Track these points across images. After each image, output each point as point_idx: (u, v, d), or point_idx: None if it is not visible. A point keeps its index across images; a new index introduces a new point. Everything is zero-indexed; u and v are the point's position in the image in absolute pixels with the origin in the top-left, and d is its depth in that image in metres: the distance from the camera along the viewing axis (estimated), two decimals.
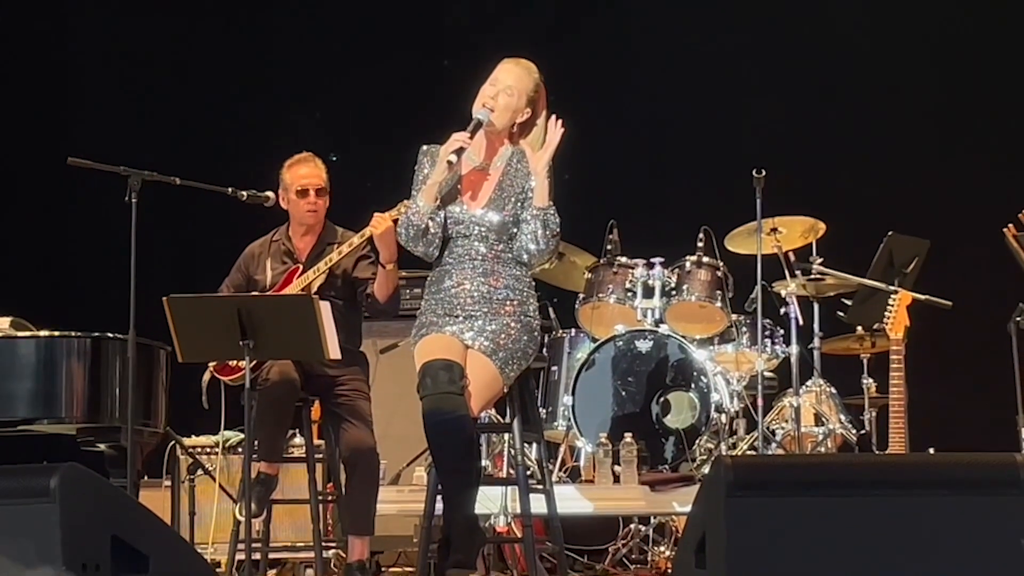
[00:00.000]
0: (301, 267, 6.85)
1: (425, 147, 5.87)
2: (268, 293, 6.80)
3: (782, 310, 8.08)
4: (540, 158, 5.72)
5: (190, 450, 7.57)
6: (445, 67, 9.61)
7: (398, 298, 6.84)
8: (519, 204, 5.74)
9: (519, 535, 6.88)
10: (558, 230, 5.72)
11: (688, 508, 6.18)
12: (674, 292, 8.16)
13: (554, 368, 8.33)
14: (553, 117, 5.78)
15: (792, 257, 8.10)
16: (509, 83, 5.76)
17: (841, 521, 3.84)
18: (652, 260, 8.21)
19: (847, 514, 3.84)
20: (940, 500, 3.86)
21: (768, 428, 7.92)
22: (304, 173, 6.89)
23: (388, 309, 6.81)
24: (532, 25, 10.12)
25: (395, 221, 6.30)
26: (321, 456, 7.05)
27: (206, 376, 6.86)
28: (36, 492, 4.00)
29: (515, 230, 5.73)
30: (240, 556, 6.58)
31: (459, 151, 5.66)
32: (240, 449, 7.34)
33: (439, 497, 5.76)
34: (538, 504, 6.00)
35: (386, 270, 6.65)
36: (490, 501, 6.99)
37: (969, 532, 3.83)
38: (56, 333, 6.73)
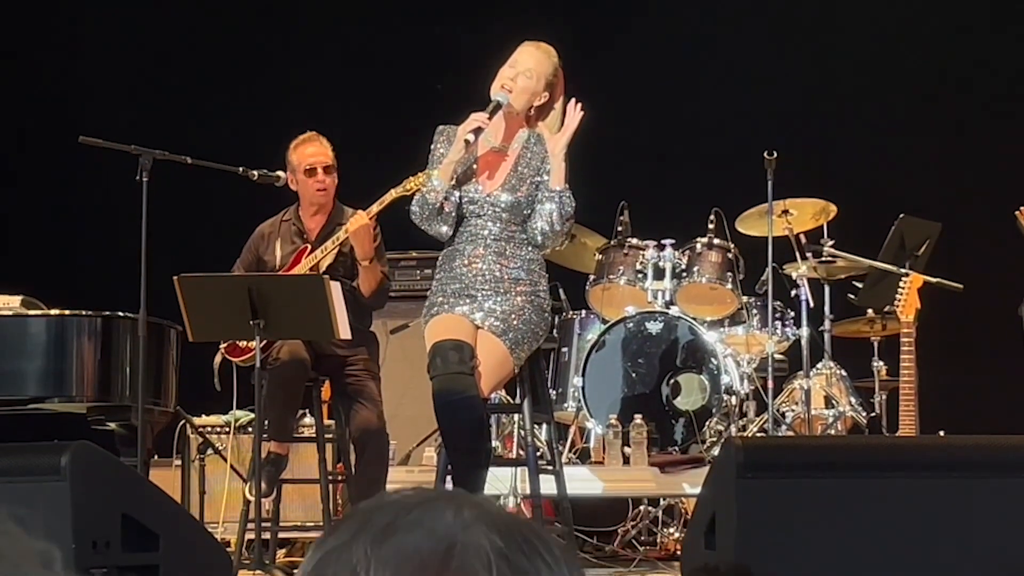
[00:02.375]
0: (310, 247, 6.85)
1: (441, 127, 5.88)
2: (278, 273, 6.80)
3: (793, 292, 8.07)
4: (558, 140, 5.73)
5: (200, 429, 7.58)
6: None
7: (383, 293, 6.81)
8: (534, 187, 5.74)
9: (529, 516, 6.89)
10: (573, 212, 5.73)
11: (698, 490, 6.18)
12: (684, 274, 8.15)
13: (564, 349, 8.33)
14: (573, 100, 5.79)
15: (803, 239, 8.08)
16: (529, 66, 5.77)
17: (852, 503, 3.84)
18: (663, 242, 8.19)
19: (858, 496, 3.84)
20: (952, 482, 3.86)
21: (778, 410, 7.92)
22: (311, 152, 6.88)
23: (372, 304, 6.80)
24: (542, 7, 10.09)
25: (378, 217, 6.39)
26: (331, 436, 7.06)
27: (217, 358, 6.87)
28: (47, 470, 4.01)
29: (529, 212, 5.74)
30: (250, 536, 6.59)
31: (477, 131, 5.66)
32: (250, 428, 7.34)
33: (449, 477, 5.77)
34: (548, 485, 6.01)
35: (363, 267, 6.65)
36: (499, 482, 6.99)
37: (981, 515, 3.83)
38: (67, 312, 6.75)
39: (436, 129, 5.90)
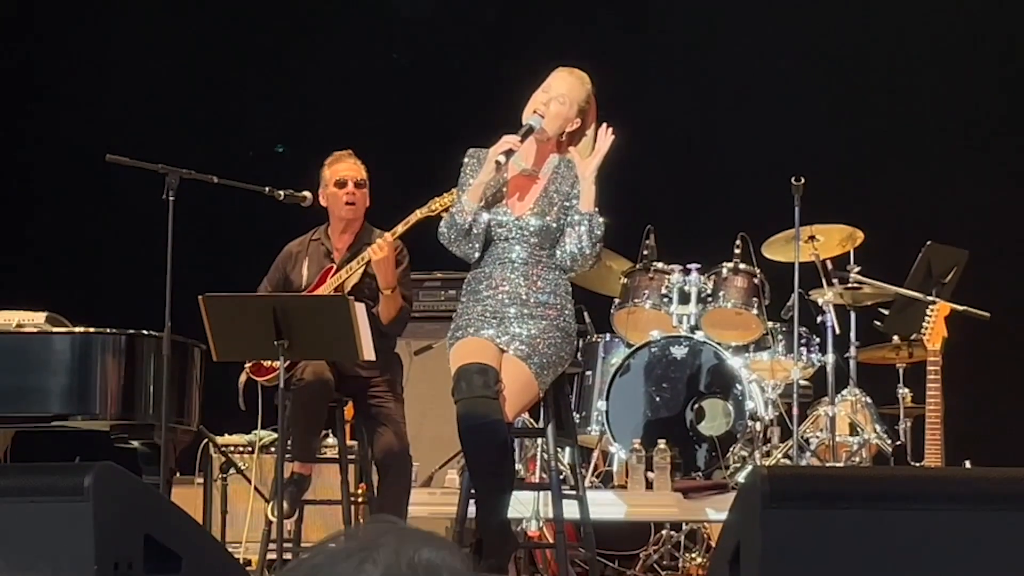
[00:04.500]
0: (335, 266, 6.85)
1: (472, 150, 5.87)
2: (303, 293, 6.80)
3: (818, 318, 8.04)
4: (589, 164, 5.73)
5: (223, 449, 7.57)
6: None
7: (402, 322, 6.81)
8: (563, 212, 5.74)
9: (551, 540, 6.86)
10: (602, 236, 5.72)
11: (721, 516, 6.15)
12: (710, 299, 8.12)
13: (588, 373, 8.31)
14: (604, 125, 5.79)
15: (830, 265, 8.05)
16: (562, 91, 5.77)
17: (878, 535, 3.81)
18: (689, 266, 8.16)
19: (884, 528, 3.81)
20: (981, 515, 3.82)
21: (803, 437, 7.88)
22: (343, 167, 6.91)
23: (390, 331, 6.78)
24: (569, 31, 10.09)
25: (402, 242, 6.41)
26: (354, 457, 7.05)
27: (242, 378, 6.87)
28: (70, 490, 4.00)
29: (557, 236, 5.72)
30: (271, 556, 6.58)
31: (508, 152, 5.65)
32: (273, 448, 7.34)
33: (472, 500, 5.75)
34: (570, 509, 5.98)
35: (384, 295, 6.65)
36: (522, 505, 6.97)
37: (1012, 549, 3.79)
38: (91, 329, 6.75)
39: (467, 152, 5.90)
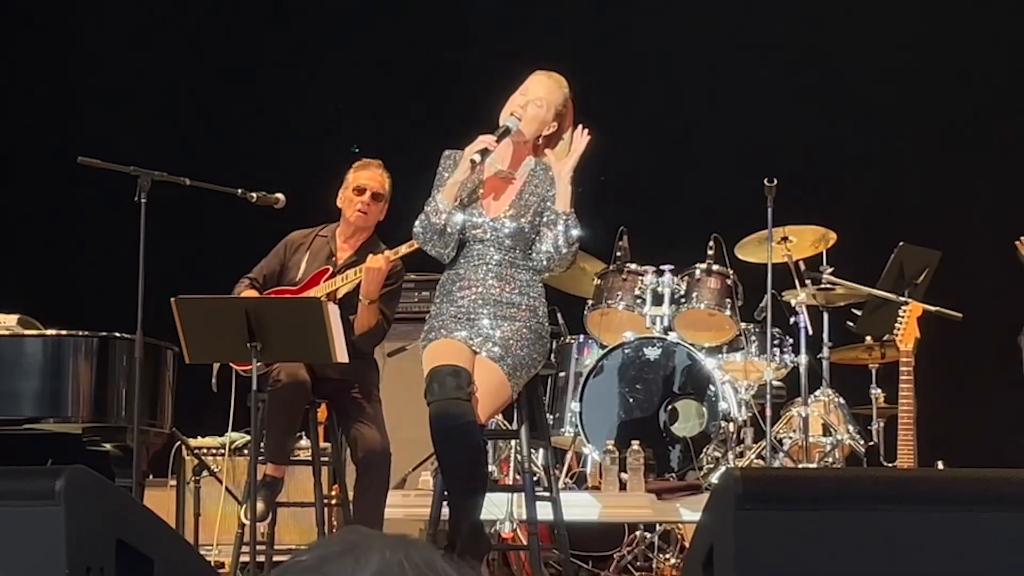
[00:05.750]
0: (331, 269, 6.82)
1: (448, 151, 5.86)
2: (286, 290, 6.76)
3: (791, 319, 8.06)
4: (565, 164, 5.74)
5: (196, 451, 7.55)
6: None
7: (375, 336, 6.73)
8: (538, 215, 5.74)
9: (525, 542, 6.86)
10: (578, 237, 5.72)
11: (695, 516, 6.16)
12: (683, 300, 8.13)
13: (562, 374, 8.31)
14: (580, 126, 5.79)
15: (802, 266, 8.07)
16: (540, 94, 5.78)
17: (851, 536, 3.81)
18: (662, 267, 8.17)
19: (858, 529, 3.81)
20: (954, 516, 3.83)
21: (776, 438, 7.89)
22: (367, 175, 6.88)
23: (360, 344, 6.67)
24: (542, 30, 10.09)
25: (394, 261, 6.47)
26: (327, 459, 7.03)
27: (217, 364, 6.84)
28: (41, 494, 3.98)
29: (531, 239, 5.72)
30: (244, 558, 6.56)
31: (483, 152, 5.64)
32: (246, 451, 7.32)
33: (445, 502, 5.75)
34: (544, 511, 5.98)
35: (363, 304, 6.62)
36: (496, 507, 6.97)
37: (984, 550, 3.80)
38: (63, 332, 6.73)
39: (443, 154, 5.89)
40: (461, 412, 5.44)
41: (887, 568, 3.77)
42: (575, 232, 5.71)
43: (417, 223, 5.81)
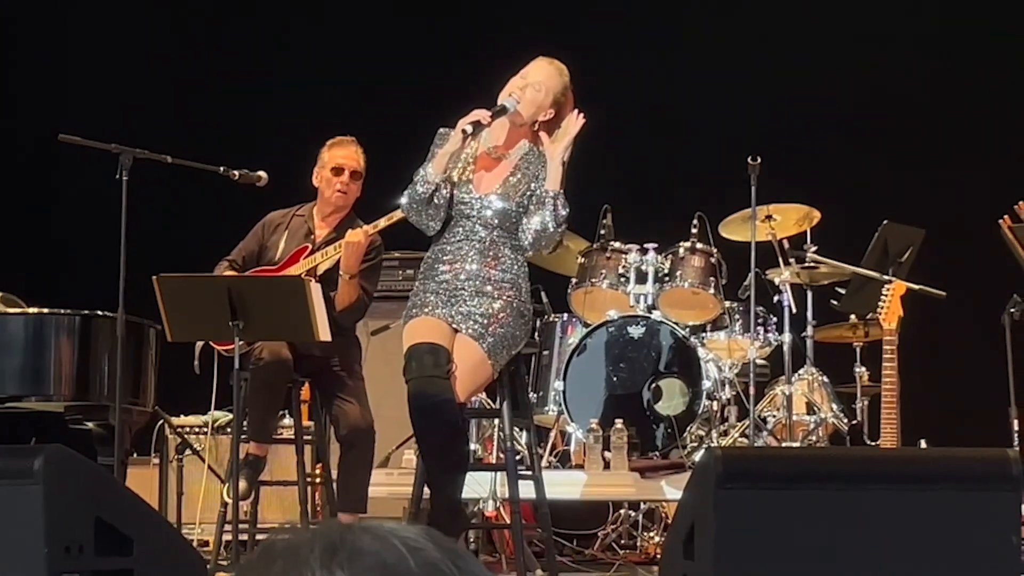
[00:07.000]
0: (310, 247, 6.80)
1: (443, 129, 5.84)
2: (266, 270, 6.75)
3: (775, 298, 8.06)
4: (558, 145, 5.73)
5: (179, 430, 7.55)
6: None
7: (356, 312, 6.73)
8: (526, 197, 5.73)
9: (508, 520, 6.86)
10: (567, 215, 5.72)
11: (678, 494, 6.16)
12: (667, 278, 8.12)
13: (545, 353, 8.29)
14: (576, 111, 5.79)
15: (786, 245, 8.07)
16: (539, 79, 5.78)
17: (831, 515, 3.82)
18: (646, 246, 8.16)
19: (837, 508, 3.82)
20: (930, 495, 3.84)
21: (759, 416, 7.90)
22: (343, 153, 6.86)
23: (341, 319, 6.65)
24: (528, 10, 10.08)
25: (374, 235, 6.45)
26: (310, 438, 7.03)
27: (199, 344, 6.83)
28: (20, 473, 3.98)
29: (518, 219, 5.72)
30: (227, 537, 6.56)
31: (476, 124, 5.62)
32: (229, 429, 7.31)
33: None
34: (527, 489, 5.98)
35: (343, 279, 6.61)
36: (479, 486, 6.97)
37: (960, 528, 3.81)
38: (45, 310, 6.72)
39: (438, 132, 5.87)
40: (438, 390, 5.44)
41: (865, 546, 3.78)
42: (564, 212, 5.72)
43: (404, 194, 5.80)
